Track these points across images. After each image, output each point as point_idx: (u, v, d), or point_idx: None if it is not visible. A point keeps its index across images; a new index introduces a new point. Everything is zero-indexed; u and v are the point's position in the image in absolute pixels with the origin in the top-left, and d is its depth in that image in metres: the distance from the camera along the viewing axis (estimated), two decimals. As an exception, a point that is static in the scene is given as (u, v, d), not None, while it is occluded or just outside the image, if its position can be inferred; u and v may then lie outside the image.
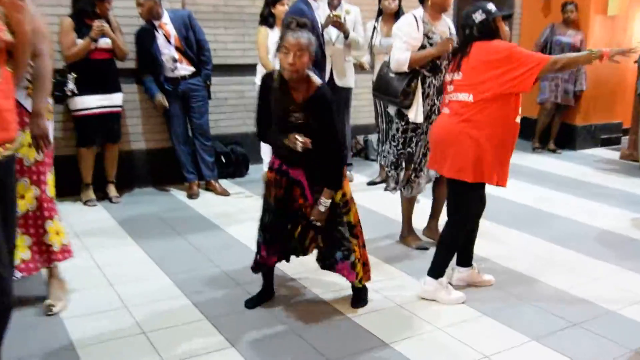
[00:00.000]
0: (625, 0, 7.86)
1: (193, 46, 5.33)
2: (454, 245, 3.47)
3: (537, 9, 8.18)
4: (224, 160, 5.97)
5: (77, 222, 4.72)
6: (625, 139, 7.98)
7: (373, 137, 7.06)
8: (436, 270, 3.46)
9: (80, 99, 4.95)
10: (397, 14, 5.51)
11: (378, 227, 4.64)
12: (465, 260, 3.67)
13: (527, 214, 5.18)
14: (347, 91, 5.91)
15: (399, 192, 4.30)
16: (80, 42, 4.88)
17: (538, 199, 5.62)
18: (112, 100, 5.14)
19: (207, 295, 3.51)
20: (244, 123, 6.34)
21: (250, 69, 6.06)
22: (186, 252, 4.19)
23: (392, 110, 4.23)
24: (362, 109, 6.98)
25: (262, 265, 3.35)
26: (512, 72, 3.17)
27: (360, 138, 7.12)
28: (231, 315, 3.26)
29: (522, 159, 7.04)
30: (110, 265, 3.91)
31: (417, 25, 3.91)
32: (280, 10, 5.35)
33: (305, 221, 3.24)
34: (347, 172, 6.13)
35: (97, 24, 4.84)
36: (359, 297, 3.41)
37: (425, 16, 3.97)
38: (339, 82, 5.76)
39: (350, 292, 3.44)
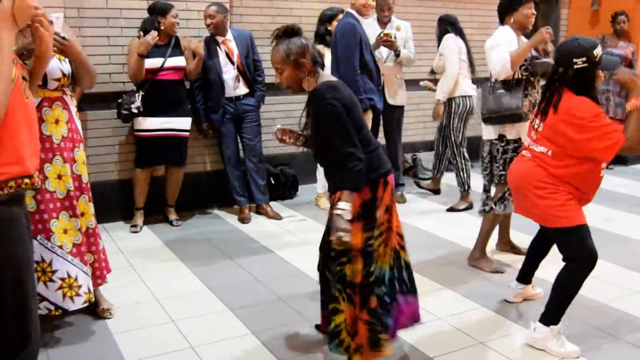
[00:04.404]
0: (677, 9, 7.54)
1: (251, 67, 5.13)
2: (573, 291, 3.08)
3: (585, 20, 7.88)
4: (272, 181, 5.72)
5: (128, 247, 4.54)
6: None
7: (422, 155, 6.81)
8: (549, 317, 3.09)
9: (144, 119, 4.75)
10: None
11: (440, 252, 4.37)
12: (528, 278, 3.58)
13: (595, 237, 4.83)
14: (399, 110, 5.72)
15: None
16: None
17: (602, 219, 5.30)
18: (177, 124, 4.88)
19: (276, 334, 3.25)
20: (292, 143, 6.09)
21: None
22: (245, 281, 3.96)
23: (489, 134, 4.06)
24: (409, 126, 6.72)
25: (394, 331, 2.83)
26: (592, 142, 2.85)
27: (408, 156, 6.86)
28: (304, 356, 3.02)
29: (574, 176, 6.71)
30: (168, 298, 3.70)
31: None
32: None
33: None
34: (398, 193, 6.00)
35: (142, 39, 4.53)
36: None
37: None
38: (391, 100, 5.58)
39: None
